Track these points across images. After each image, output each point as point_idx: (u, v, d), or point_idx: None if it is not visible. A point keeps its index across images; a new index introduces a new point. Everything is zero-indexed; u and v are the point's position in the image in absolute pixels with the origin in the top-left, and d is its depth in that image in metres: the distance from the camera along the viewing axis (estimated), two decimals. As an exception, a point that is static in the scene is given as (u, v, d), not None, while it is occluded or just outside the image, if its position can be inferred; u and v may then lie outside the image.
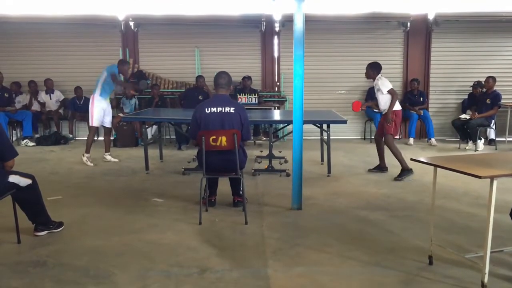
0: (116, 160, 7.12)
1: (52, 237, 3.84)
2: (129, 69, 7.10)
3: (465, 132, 8.40)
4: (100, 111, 6.85)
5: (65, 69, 9.59)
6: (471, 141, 8.28)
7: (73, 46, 9.57)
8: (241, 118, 4.38)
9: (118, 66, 6.85)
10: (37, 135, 9.13)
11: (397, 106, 6.08)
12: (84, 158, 6.87)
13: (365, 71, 6.22)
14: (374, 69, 6.11)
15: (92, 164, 6.78)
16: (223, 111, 4.33)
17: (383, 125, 6.11)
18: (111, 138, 7.60)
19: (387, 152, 6.18)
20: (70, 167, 6.73)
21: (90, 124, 7.05)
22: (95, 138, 9.26)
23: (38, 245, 3.66)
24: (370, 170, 6.41)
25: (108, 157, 7.13)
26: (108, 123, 7.05)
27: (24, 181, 3.65)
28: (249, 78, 9.04)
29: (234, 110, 4.36)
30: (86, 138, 9.18)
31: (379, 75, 6.09)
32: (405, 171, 5.92)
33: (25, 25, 9.35)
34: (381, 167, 6.36)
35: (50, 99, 9.43)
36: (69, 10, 9.00)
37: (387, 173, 6.23)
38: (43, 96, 9.43)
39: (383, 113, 6.13)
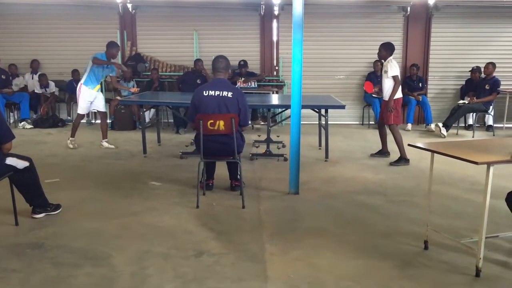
0: (112, 146, 6.94)
1: (49, 219, 3.85)
2: (118, 52, 6.82)
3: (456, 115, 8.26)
4: (85, 101, 6.72)
5: (62, 51, 9.52)
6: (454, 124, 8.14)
7: (71, 28, 9.48)
8: (239, 103, 4.37)
9: (107, 49, 6.57)
10: (34, 116, 9.09)
11: (399, 94, 6.01)
12: (68, 141, 6.86)
13: (377, 51, 6.15)
14: (387, 50, 6.02)
15: (72, 147, 6.76)
16: (220, 95, 4.32)
17: (384, 113, 6.09)
18: (107, 122, 7.50)
19: (390, 137, 6.17)
20: (67, 150, 6.72)
21: (78, 111, 6.93)
22: (93, 121, 9.35)
23: (35, 227, 3.67)
24: (372, 155, 6.43)
25: (105, 144, 6.95)
26: (101, 107, 6.93)
27: (21, 164, 3.65)
28: (244, 64, 8.95)
29: (232, 95, 4.35)
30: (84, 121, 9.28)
31: (391, 57, 6.02)
32: (403, 159, 5.95)
33: (21, 7, 9.23)
34: (383, 152, 6.39)
35: (32, 79, 9.37)
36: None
37: (388, 158, 6.23)
38: (26, 78, 9.36)
39: (384, 99, 6.10)
